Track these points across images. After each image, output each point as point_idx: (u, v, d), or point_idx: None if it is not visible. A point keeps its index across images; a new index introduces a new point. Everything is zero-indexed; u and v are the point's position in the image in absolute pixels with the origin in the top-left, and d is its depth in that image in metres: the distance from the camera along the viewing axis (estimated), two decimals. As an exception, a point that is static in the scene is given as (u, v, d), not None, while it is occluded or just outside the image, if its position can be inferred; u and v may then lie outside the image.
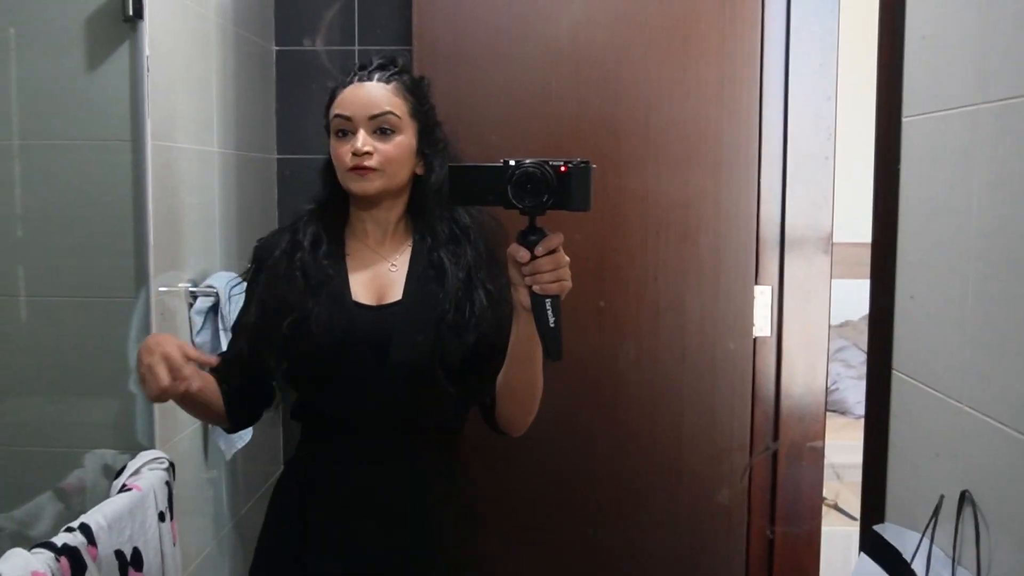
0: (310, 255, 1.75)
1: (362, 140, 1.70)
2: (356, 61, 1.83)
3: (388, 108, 1.72)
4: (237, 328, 1.85)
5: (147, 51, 1.86)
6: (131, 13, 1.82)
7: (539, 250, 1.41)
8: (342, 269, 1.76)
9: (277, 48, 2.73)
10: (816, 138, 2.45)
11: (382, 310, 1.73)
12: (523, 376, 1.65)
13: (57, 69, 1.88)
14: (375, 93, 1.73)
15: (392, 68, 1.78)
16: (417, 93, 1.80)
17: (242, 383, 1.79)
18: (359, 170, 1.70)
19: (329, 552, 1.73)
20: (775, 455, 2.52)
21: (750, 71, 2.44)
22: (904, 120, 1.47)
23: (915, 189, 1.45)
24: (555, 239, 1.42)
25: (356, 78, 1.75)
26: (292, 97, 2.75)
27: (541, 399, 1.72)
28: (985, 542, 1.20)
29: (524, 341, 1.57)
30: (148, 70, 1.86)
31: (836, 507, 3.53)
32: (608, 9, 2.45)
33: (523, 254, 1.42)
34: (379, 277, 1.77)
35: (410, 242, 1.80)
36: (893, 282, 1.50)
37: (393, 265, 1.78)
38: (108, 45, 1.85)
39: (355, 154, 1.70)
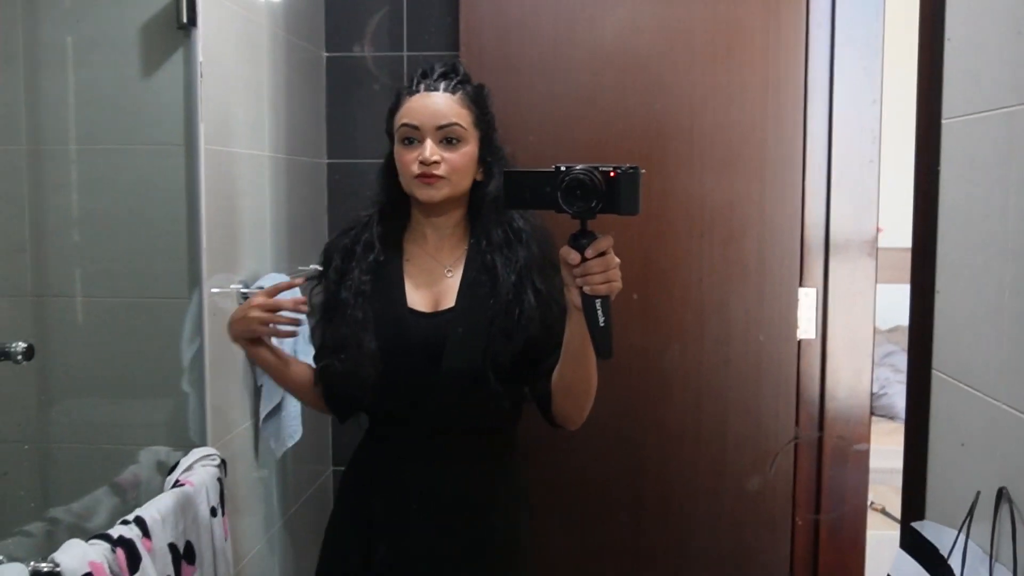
0: (371, 262, 1.84)
1: (430, 149, 1.77)
2: (418, 68, 1.88)
3: (455, 119, 1.80)
4: (319, 325, 1.96)
5: (200, 57, 1.90)
6: (185, 21, 1.86)
7: (589, 252, 1.46)
8: (399, 276, 1.86)
9: (327, 54, 2.78)
10: (861, 142, 2.46)
11: (436, 317, 1.82)
12: (577, 372, 1.70)
13: (114, 76, 1.93)
14: (442, 103, 1.80)
15: (455, 77, 1.84)
16: (480, 103, 1.86)
17: (336, 374, 1.88)
18: (426, 178, 1.78)
19: (390, 544, 1.83)
20: (819, 455, 2.52)
21: (794, 75, 2.44)
22: (943, 122, 1.48)
23: (954, 191, 1.46)
24: (605, 242, 1.47)
25: (422, 87, 1.81)
26: (341, 102, 2.80)
27: (596, 397, 1.78)
28: (1023, 538, 1.21)
29: (576, 339, 1.63)
30: (201, 76, 1.90)
31: (884, 512, 3.51)
32: (653, 15, 2.47)
33: (574, 256, 1.47)
34: (435, 284, 1.86)
35: (466, 246, 1.88)
36: (933, 283, 1.51)
37: (449, 270, 1.86)
38: (163, 52, 1.90)
39: (423, 163, 1.77)
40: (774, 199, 2.47)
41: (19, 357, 1.53)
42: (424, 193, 1.80)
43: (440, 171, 1.78)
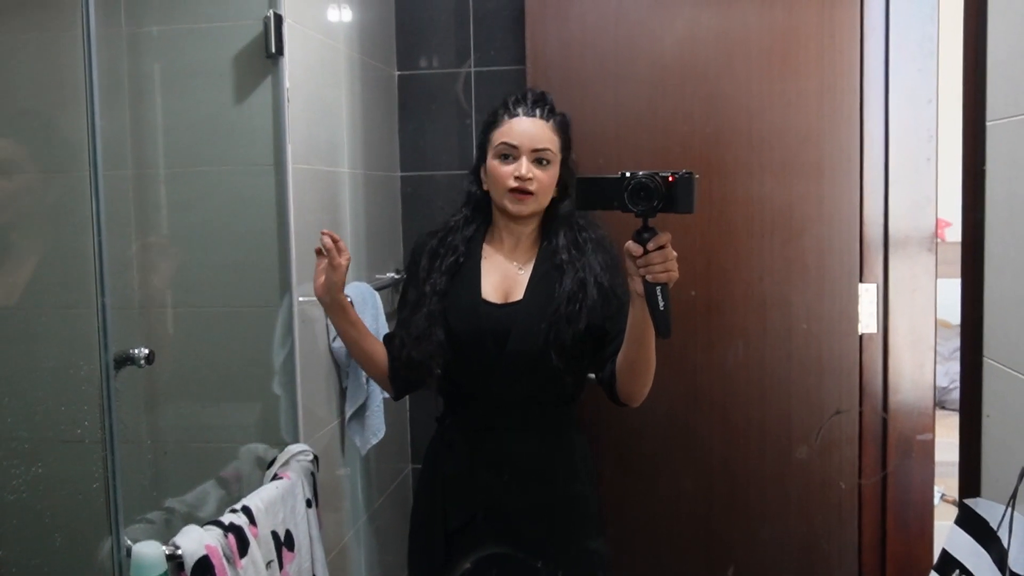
0: (451, 262, 2.05)
1: (526, 167, 1.99)
2: (512, 94, 2.07)
3: (548, 144, 2.01)
4: (401, 309, 2.16)
5: (287, 84, 2.05)
6: (273, 50, 2.02)
7: (651, 245, 1.65)
8: (477, 271, 2.06)
9: (399, 72, 2.91)
10: (917, 140, 2.51)
11: (505, 307, 2.02)
12: (639, 353, 1.89)
13: (209, 102, 2.08)
14: (539, 129, 2.02)
15: (547, 104, 2.05)
16: (566, 131, 2.07)
17: (404, 358, 2.06)
18: (519, 193, 1.99)
19: (466, 504, 2.04)
20: (884, 445, 2.56)
21: (850, 79, 2.50)
22: (988, 124, 1.56)
23: (1000, 188, 1.54)
24: (664, 237, 1.66)
25: (521, 110, 2.02)
26: (412, 118, 2.93)
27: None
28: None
29: (639, 323, 1.82)
30: (288, 101, 2.06)
31: (956, 503, 3.53)
32: (710, 27, 2.57)
33: (637, 249, 1.66)
34: (507, 279, 2.07)
35: (537, 249, 2.08)
36: (982, 276, 1.60)
37: (520, 268, 2.07)
38: (253, 79, 2.05)
39: (518, 178, 1.97)
40: (832, 198, 2.53)
41: (142, 362, 1.69)
42: (515, 207, 2.01)
43: (532, 187, 1.98)
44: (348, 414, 2.39)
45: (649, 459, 2.67)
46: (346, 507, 2.49)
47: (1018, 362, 1.47)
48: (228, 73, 2.06)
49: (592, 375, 2.10)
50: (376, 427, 2.42)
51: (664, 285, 1.67)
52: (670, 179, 1.63)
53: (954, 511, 3.39)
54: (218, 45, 2.06)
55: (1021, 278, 1.45)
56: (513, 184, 1.99)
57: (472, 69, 2.86)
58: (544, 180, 2.01)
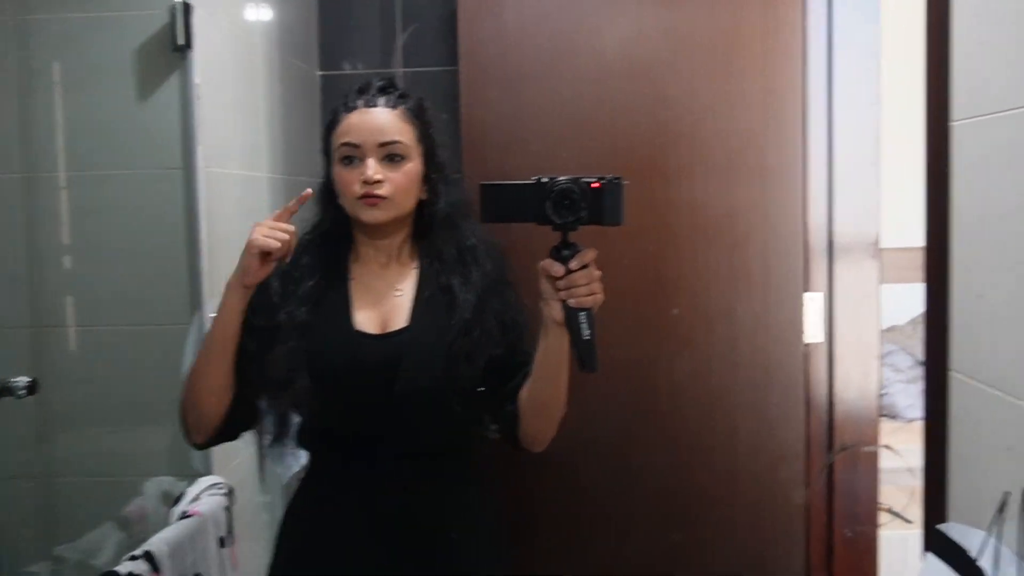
0: (312, 282, 1.72)
1: (373, 169, 1.66)
2: (354, 84, 1.76)
3: (397, 136, 1.68)
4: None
5: (197, 79, 1.90)
6: (180, 43, 1.87)
7: (574, 264, 1.44)
8: (345, 296, 1.74)
9: (321, 73, 2.77)
10: (861, 144, 2.45)
11: (387, 338, 1.71)
12: (551, 390, 1.64)
13: (109, 100, 1.93)
14: (383, 119, 1.69)
15: (395, 91, 1.74)
16: (422, 117, 1.75)
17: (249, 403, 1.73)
18: (369, 199, 1.67)
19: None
20: (830, 463, 2.51)
21: (793, 80, 2.44)
22: (953, 124, 1.48)
23: (966, 191, 1.46)
24: (589, 254, 1.45)
25: (360, 102, 1.70)
26: (335, 120, 2.79)
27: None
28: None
29: (554, 355, 1.57)
30: (199, 98, 1.90)
31: (891, 511, 3.50)
32: (654, 24, 2.47)
33: (558, 268, 1.45)
34: (384, 303, 1.74)
35: (415, 266, 1.78)
36: (948, 285, 1.51)
37: (398, 290, 1.75)
38: (158, 75, 1.90)
39: (365, 182, 1.66)
40: (776, 203, 2.46)
41: (22, 391, 1.51)
42: (368, 215, 1.68)
43: (383, 191, 1.67)
44: (268, 440, 2.23)
45: (588, 474, 2.54)
46: (266, 539, 2.34)
47: (990, 376, 1.38)
48: (130, 67, 1.90)
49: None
50: (299, 452, 2.27)
51: (588, 310, 1.46)
52: (595, 185, 1.42)
53: (888, 519, 3.39)
54: (119, 37, 1.90)
55: (993, 286, 1.36)
56: (360, 191, 1.66)
57: (400, 70, 2.73)
58: (399, 180, 1.68)
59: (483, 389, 1.71)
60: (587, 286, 1.45)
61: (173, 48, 1.88)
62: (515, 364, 1.70)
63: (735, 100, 2.44)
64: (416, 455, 1.71)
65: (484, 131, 2.48)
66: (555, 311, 1.48)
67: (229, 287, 1.64)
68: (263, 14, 2.38)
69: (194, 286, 1.95)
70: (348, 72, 2.76)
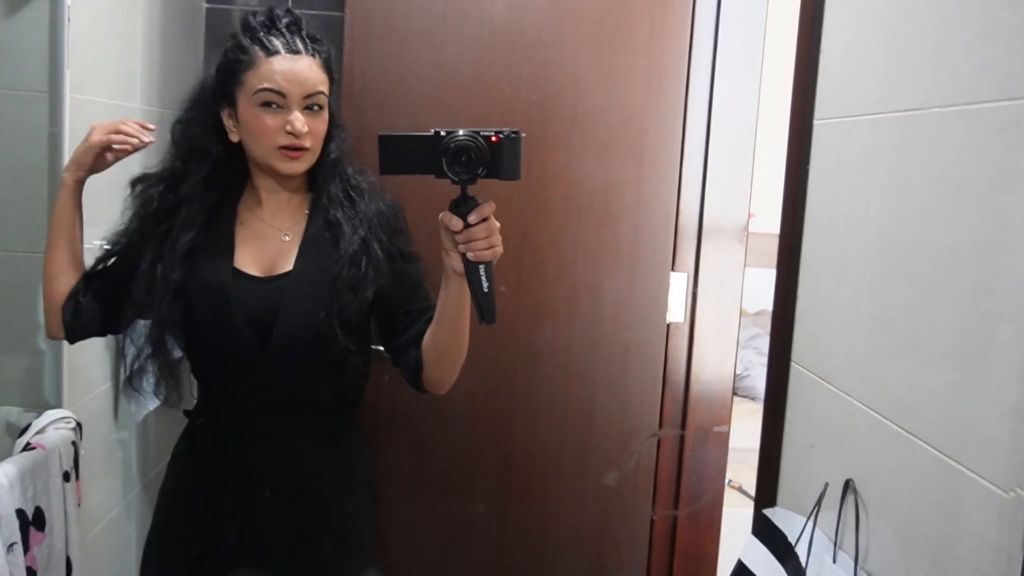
0: (197, 216, 1.70)
1: (301, 122, 1.63)
2: (256, 14, 1.69)
3: (321, 87, 1.67)
4: (116, 248, 1.78)
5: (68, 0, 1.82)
6: (53, -41, 1.79)
7: (472, 218, 1.44)
8: (229, 241, 1.72)
9: (207, 5, 2.69)
10: (738, 132, 2.50)
11: (270, 282, 1.70)
12: (452, 337, 1.66)
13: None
14: (309, 70, 1.66)
15: (311, 36, 1.70)
16: (334, 67, 1.74)
17: (103, 299, 1.75)
18: (294, 151, 1.65)
19: (214, 524, 1.73)
20: (682, 438, 2.57)
21: (678, 63, 2.46)
22: (815, 122, 1.51)
23: (821, 190, 1.50)
24: (488, 207, 1.45)
25: (280, 45, 1.65)
26: (221, 56, 2.71)
27: (459, 382, 1.74)
28: (864, 528, 1.26)
29: (455, 304, 1.59)
30: (69, 20, 1.82)
31: (741, 490, 3.61)
32: (544, -8, 2.46)
33: (456, 223, 1.44)
34: (270, 249, 1.73)
35: (305, 210, 1.77)
36: (796, 278, 1.55)
37: (286, 235, 1.74)
38: (27, -9, 1.81)
39: (291, 133, 1.64)
40: (651, 184, 2.50)
41: None
42: (289, 167, 1.67)
43: (308, 143, 1.66)
44: (124, 375, 2.18)
45: (446, 440, 2.57)
46: (118, 475, 2.30)
47: (825, 370, 1.43)
48: (-4, -19, 1.81)
49: (389, 357, 1.84)
50: (153, 392, 2.22)
51: (488, 263, 1.47)
52: (494, 139, 1.41)
53: (738, 497, 3.50)
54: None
55: (836, 284, 1.41)
56: (284, 141, 1.64)
57: (288, 9, 2.65)
58: (320, 130, 1.68)
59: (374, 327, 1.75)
60: (486, 239, 1.45)
61: (45, -36, 1.79)
62: (417, 310, 1.73)
63: (618, 76, 2.46)
64: (292, 406, 1.73)
65: (365, 83, 2.45)
66: (455, 262, 1.49)
67: (63, 182, 1.70)
68: (149, -64, 2.29)
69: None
70: (235, 6, 2.68)
